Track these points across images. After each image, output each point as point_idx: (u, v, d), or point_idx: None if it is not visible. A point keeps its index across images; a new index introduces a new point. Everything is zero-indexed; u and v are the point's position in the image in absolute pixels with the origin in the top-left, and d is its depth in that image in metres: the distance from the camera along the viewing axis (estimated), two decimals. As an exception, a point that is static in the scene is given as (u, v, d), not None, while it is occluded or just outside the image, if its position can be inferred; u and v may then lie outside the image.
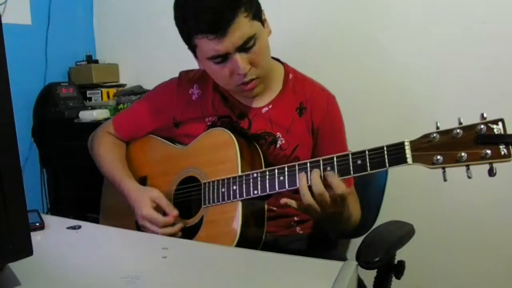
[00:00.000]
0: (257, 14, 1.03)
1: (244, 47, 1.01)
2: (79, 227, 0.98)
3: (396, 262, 1.11)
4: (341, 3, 1.71)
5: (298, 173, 0.94)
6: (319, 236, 1.22)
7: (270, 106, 1.17)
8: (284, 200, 0.94)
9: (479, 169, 0.79)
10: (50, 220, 1.01)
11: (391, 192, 1.27)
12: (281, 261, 0.81)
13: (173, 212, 1.08)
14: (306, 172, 0.93)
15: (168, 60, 1.93)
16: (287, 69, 1.21)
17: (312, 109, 1.16)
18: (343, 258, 1.23)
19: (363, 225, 1.25)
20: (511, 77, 1.46)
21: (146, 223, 1.09)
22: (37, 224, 0.96)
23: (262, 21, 1.06)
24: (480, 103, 1.47)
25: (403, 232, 1.14)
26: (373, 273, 1.10)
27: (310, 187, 0.91)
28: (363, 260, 0.99)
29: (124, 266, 0.77)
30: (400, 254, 1.11)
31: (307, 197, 0.91)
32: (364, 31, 1.67)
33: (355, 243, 1.31)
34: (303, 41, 1.75)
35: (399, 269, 1.09)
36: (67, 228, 0.98)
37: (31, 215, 0.96)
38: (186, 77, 1.25)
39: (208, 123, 1.19)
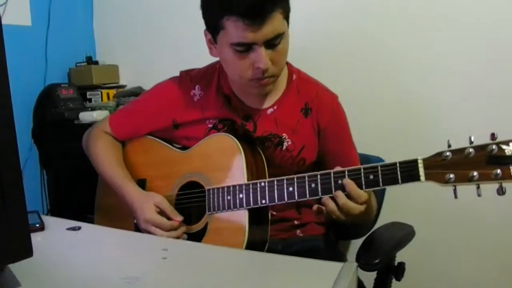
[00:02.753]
0: (288, 16, 1.04)
1: (271, 43, 1.01)
2: (79, 228, 0.98)
3: (396, 264, 1.11)
4: (345, 4, 1.71)
5: (308, 185, 0.95)
6: (320, 238, 1.22)
7: (275, 107, 1.15)
8: (315, 207, 0.96)
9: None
10: (50, 221, 1.01)
11: (391, 193, 1.27)
12: (281, 262, 0.81)
13: (177, 218, 1.08)
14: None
15: (168, 60, 1.93)
16: (291, 69, 1.20)
17: (318, 110, 1.15)
18: (343, 259, 1.23)
19: (363, 227, 1.25)
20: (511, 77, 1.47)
21: (150, 227, 1.07)
22: (37, 225, 0.96)
23: (288, 24, 1.07)
24: (481, 103, 1.47)
25: (403, 234, 1.14)
26: (373, 274, 1.10)
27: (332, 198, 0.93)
28: (363, 261, 0.99)
29: (124, 267, 0.77)
30: (400, 256, 1.11)
31: (333, 209, 0.93)
32: (366, 33, 1.67)
33: (355, 244, 1.31)
34: (306, 41, 1.75)
35: (399, 271, 1.09)
36: (67, 229, 0.97)
37: (31, 216, 0.96)
38: (187, 77, 1.22)
39: (209, 125, 1.17)
